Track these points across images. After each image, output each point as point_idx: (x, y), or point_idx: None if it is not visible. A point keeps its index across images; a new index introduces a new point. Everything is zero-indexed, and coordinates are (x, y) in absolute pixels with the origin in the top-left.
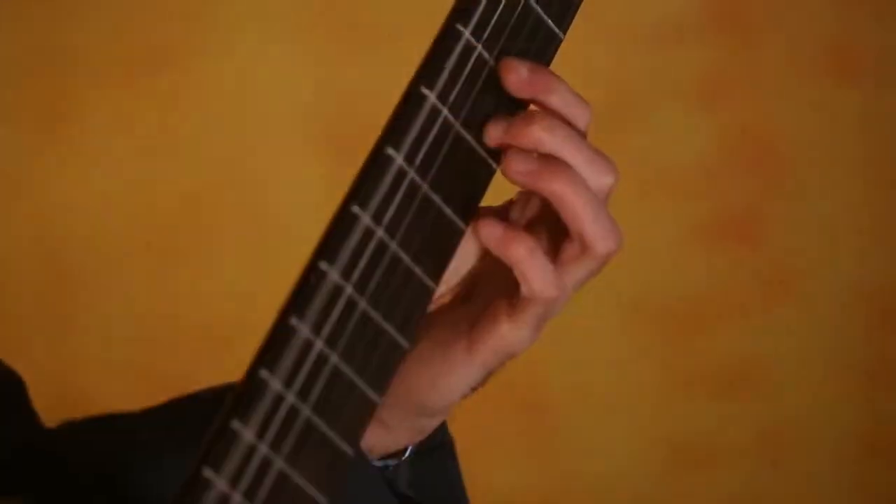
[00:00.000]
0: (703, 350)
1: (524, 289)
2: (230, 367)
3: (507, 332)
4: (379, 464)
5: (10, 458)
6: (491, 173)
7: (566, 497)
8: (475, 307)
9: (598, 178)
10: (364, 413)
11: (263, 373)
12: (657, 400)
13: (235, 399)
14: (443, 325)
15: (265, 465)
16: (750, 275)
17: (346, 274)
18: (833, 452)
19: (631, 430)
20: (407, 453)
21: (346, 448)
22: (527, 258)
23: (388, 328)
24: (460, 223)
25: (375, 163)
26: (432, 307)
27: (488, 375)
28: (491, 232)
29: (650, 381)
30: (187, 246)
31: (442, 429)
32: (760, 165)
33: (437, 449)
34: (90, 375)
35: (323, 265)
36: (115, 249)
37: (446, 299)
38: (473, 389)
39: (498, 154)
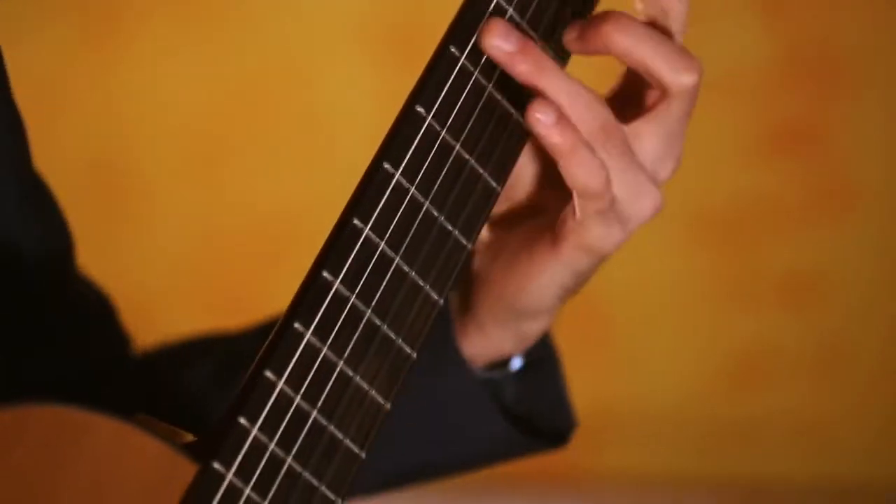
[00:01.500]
0: (763, 261)
1: (569, 183)
2: (281, 275)
3: (583, 229)
4: (484, 374)
5: (111, 380)
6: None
7: (620, 410)
8: (557, 209)
9: (678, 77)
10: (428, 314)
11: (326, 274)
12: (716, 311)
13: (297, 301)
14: (526, 230)
15: (326, 366)
16: (812, 185)
17: (410, 175)
18: (893, 363)
19: (688, 341)
20: (512, 365)
21: (409, 350)
22: (569, 151)
23: (451, 229)
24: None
25: (440, 63)
26: (514, 215)
27: (580, 279)
28: (543, 116)
29: (709, 292)
30: (238, 154)
31: (546, 341)
32: (824, 75)
33: (542, 362)
34: (141, 288)
35: (387, 166)
36: (166, 157)
37: (525, 206)
38: (567, 294)
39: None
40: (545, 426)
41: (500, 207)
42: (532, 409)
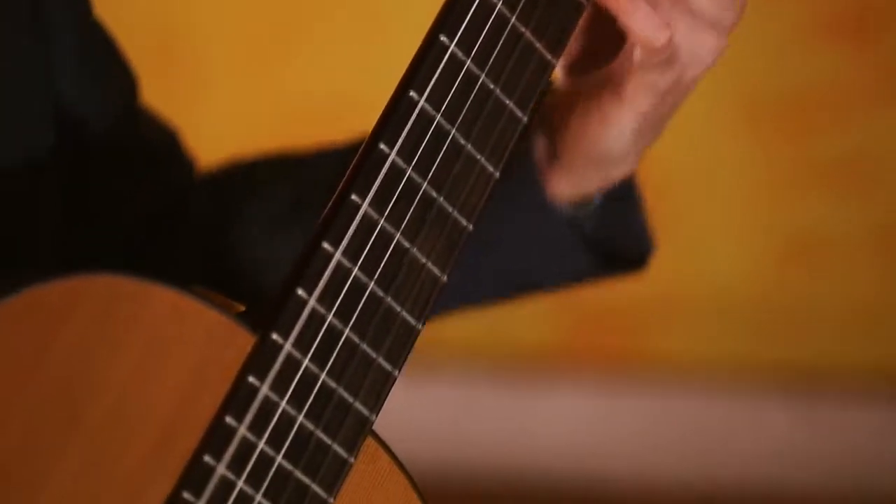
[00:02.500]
0: (818, 146)
1: (630, 38)
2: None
3: (643, 75)
4: (569, 211)
5: (176, 206)
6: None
7: (676, 295)
8: (616, 58)
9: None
10: (484, 187)
11: (383, 146)
12: (771, 196)
13: (353, 174)
14: (594, 79)
15: (383, 238)
16: (870, 71)
17: (465, 47)
18: None
19: (744, 226)
20: (595, 200)
21: (465, 223)
22: (630, 8)
23: (507, 101)
24: None
25: None
26: (583, 65)
27: (650, 122)
28: None
29: (765, 176)
30: (296, 39)
31: (630, 183)
32: None
33: (624, 199)
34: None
35: (443, 38)
36: (226, 39)
37: (589, 57)
38: (644, 137)
39: None
40: (624, 251)
41: (567, 59)
42: (611, 235)
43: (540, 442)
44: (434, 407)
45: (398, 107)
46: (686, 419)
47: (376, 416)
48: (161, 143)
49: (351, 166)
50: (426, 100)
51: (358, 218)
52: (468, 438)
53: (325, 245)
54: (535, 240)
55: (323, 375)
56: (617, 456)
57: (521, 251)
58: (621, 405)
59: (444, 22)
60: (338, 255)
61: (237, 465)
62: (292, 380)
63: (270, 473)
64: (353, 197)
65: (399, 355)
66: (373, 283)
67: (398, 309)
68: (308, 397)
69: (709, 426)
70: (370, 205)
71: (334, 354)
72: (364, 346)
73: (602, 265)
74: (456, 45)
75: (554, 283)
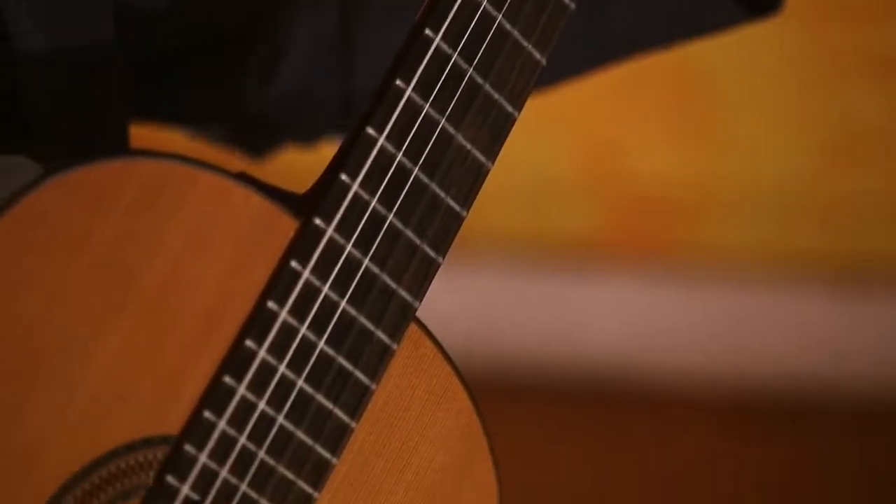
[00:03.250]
0: (865, 41)
1: None
2: None
3: None
4: None
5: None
6: None
7: (721, 187)
8: None
9: None
10: (530, 74)
11: (428, 32)
12: (821, 84)
13: (399, 59)
14: None
15: (428, 124)
16: None
17: None
18: None
19: (792, 113)
20: None
21: (511, 110)
22: None
23: None
24: None
25: None
26: None
27: None
28: None
29: (815, 64)
30: None
31: None
32: None
33: None
34: None
35: None
36: None
37: None
38: None
39: None
40: None
41: None
42: None
43: (579, 333)
44: (472, 295)
45: None
46: (727, 311)
47: (419, 302)
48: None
49: (395, 53)
50: None
51: (402, 103)
52: (504, 328)
53: (369, 130)
54: None
55: (366, 261)
56: (656, 349)
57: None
58: (665, 296)
59: None
60: (381, 141)
61: (279, 350)
62: (335, 265)
63: (312, 359)
64: (398, 82)
65: (443, 242)
66: (417, 168)
67: (442, 195)
68: (351, 283)
69: (751, 318)
70: (415, 90)
71: (378, 240)
72: (408, 233)
73: (740, 10)
74: None
75: (693, 27)
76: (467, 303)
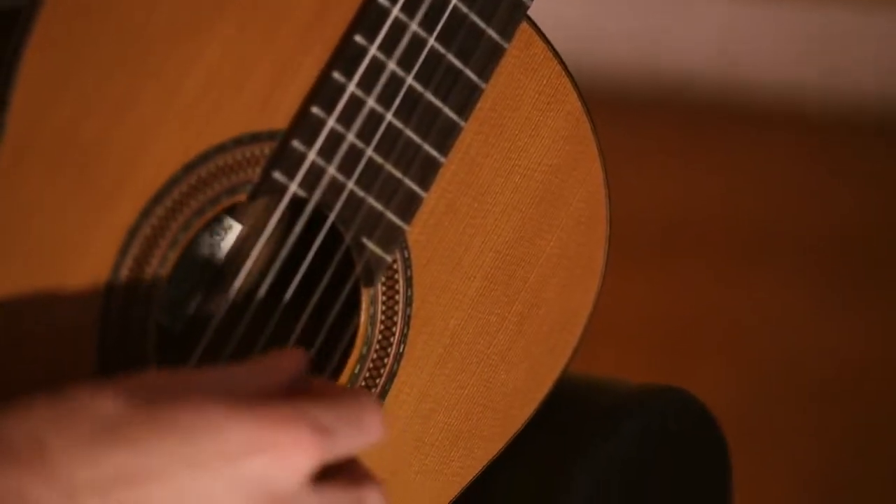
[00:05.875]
0: None
1: None
2: None
3: None
4: None
5: None
6: None
7: None
8: None
9: None
10: None
11: None
12: None
13: None
14: None
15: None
16: None
17: None
18: None
19: None
20: None
21: None
22: None
23: None
24: None
25: None
26: None
27: None
28: None
29: None
30: None
31: None
32: None
33: None
34: None
35: None
36: None
37: None
38: None
39: None
40: None
41: None
42: None
43: (675, 43)
44: (574, 5)
45: None
46: (809, 25)
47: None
48: None
49: None
50: None
51: None
52: (605, 37)
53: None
54: None
55: None
56: (749, 64)
57: None
58: (755, 9)
59: None
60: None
61: (389, 46)
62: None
63: (422, 56)
64: None
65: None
66: None
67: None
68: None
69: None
70: None
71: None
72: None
73: None
74: None
75: None
76: (565, 10)
